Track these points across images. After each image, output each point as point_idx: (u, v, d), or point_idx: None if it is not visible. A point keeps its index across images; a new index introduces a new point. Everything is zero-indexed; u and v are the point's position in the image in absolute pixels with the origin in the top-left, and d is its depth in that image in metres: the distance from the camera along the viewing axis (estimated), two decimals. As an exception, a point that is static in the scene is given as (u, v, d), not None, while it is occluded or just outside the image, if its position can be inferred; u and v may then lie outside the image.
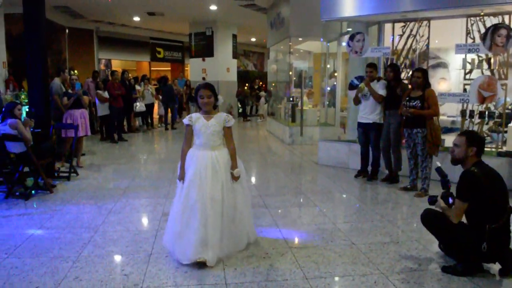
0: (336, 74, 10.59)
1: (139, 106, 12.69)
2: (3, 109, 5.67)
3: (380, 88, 6.48)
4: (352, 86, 7.50)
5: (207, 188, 3.50)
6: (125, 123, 12.41)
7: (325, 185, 6.62)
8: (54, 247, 4.00)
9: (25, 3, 6.67)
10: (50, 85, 7.60)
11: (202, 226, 3.48)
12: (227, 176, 3.63)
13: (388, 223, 4.74)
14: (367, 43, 7.28)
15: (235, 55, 17.85)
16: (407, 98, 5.85)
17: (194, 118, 3.66)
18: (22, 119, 5.80)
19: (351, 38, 7.39)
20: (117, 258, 3.81)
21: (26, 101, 7.89)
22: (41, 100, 6.89)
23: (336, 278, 3.42)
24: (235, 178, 3.69)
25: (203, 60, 16.95)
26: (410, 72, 6.73)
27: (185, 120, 3.67)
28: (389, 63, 7.28)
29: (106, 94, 10.62)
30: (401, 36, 7.49)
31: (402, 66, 7.39)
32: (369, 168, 6.83)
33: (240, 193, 3.73)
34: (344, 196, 5.98)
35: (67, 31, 15.84)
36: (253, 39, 22.24)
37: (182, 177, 3.65)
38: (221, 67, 16.97)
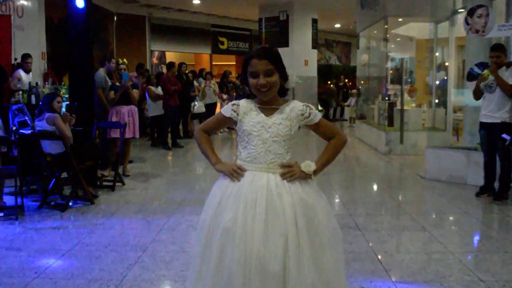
0: (447, 64, 10.15)
1: (198, 106, 12.86)
2: (40, 102, 5.84)
3: (510, 76, 6.07)
4: (471, 76, 7.12)
5: (254, 248, 2.35)
6: (180, 126, 12.65)
7: (435, 204, 6.36)
8: (93, 268, 3.99)
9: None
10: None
11: None
12: (302, 223, 2.43)
13: (528, 255, 4.33)
14: (492, 19, 6.87)
15: (315, 45, 17.75)
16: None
17: (243, 108, 2.62)
18: (62, 114, 5.94)
19: (470, 13, 7.06)
20: (170, 284, 3.74)
21: (67, 96, 8.15)
22: (83, 94, 7.09)
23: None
24: (304, 174, 2.55)
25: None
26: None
27: (227, 110, 2.65)
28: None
29: (159, 90, 10.85)
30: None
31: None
32: (497, 184, 6.38)
33: (326, 255, 2.47)
34: (463, 219, 5.63)
35: (115, 18, 16.52)
36: (337, 25, 22.10)
37: (219, 165, 2.68)
38: (298, 60, 16.90)
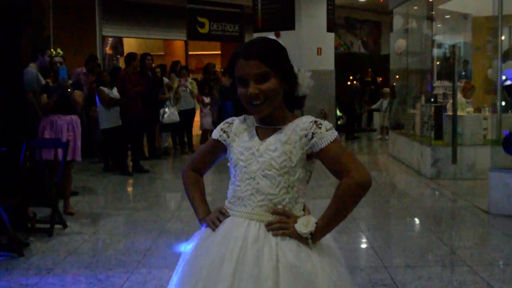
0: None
1: (169, 114, 12.83)
2: None
3: None
4: None
5: None
6: (145, 142, 12.67)
7: (505, 251, 6.32)
8: None
9: None
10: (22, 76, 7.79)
11: None
12: None
13: None
14: None
15: (331, 27, 17.80)
16: None
17: (236, 128, 2.62)
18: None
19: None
20: None
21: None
22: (7, 101, 7.03)
23: None
24: (298, 234, 2.41)
25: (277, 35, 16.86)
26: None
27: (215, 132, 2.67)
28: None
29: (115, 93, 10.87)
30: None
31: None
32: None
33: None
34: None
35: (53, -5, 16.51)
36: (362, -1, 22.20)
37: (205, 215, 2.65)
38: (308, 47, 16.97)
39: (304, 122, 2.46)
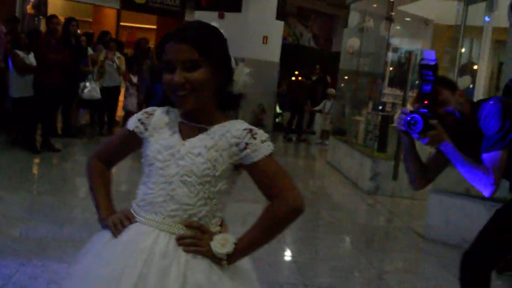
0: (475, 67, 10.36)
1: (90, 88, 12.67)
2: None
3: None
4: (510, 91, 7.22)
5: None
6: (59, 117, 12.53)
7: (438, 281, 6.44)
8: None
9: None
10: None
11: None
12: None
13: None
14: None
15: (281, 14, 17.84)
16: None
17: (157, 121, 2.52)
18: None
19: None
20: None
21: None
22: None
23: None
24: (212, 254, 2.35)
25: (221, 16, 16.98)
26: None
27: (132, 120, 2.57)
28: None
29: (31, 59, 10.70)
30: None
31: None
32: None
33: None
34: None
35: None
36: (318, -11, 22.33)
37: (107, 215, 2.58)
38: (253, 34, 17.02)
39: (237, 128, 2.36)
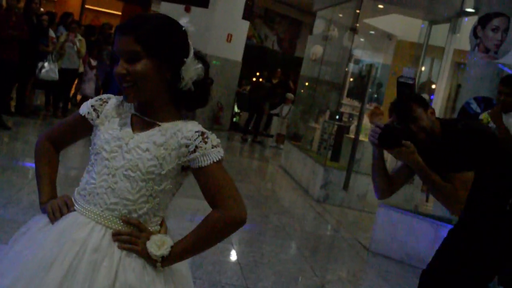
0: (434, 86, 10.40)
1: (48, 69, 12.50)
2: None
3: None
4: (466, 113, 7.24)
5: None
6: (13, 95, 12.39)
7: None
8: None
9: None
10: None
11: None
12: None
13: None
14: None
15: (248, 15, 17.84)
16: None
17: (110, 109, 2.46)
18: None
19: (483, 22, 7.25)
20: None
21: None
22: None
23: None
24: (147, 254, 2.31)
25: (187, 10, 16.89)
26: None
27: (84, 106, 2.48)
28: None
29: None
30: None
31: None
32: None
33: None
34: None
35: None
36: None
37: (48, 199, 2.50)
38: (218, 31, 16.97)
39: (188, 129, 2.31)
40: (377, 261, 7.47)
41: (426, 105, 3.99)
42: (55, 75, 12.65)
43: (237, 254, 6.71)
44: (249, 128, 18.31)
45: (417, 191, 9.73)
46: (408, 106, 3.83)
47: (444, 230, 7.22)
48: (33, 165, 7.98)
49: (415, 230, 7.59)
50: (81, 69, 14.05)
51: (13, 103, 12.44)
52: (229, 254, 6.66)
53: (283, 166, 13.63)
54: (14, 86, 11.87)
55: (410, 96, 3.97)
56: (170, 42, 2.28)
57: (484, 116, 6.42)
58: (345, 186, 10.50)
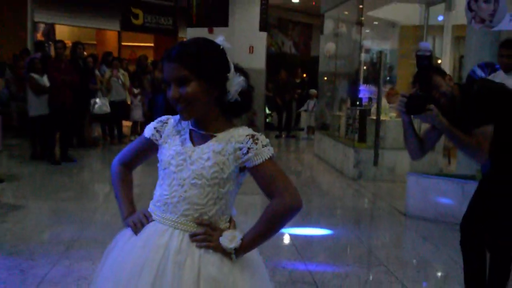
0: (440, 61, 10.39)
1: (100, 104, 12.70)
2: None
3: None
4: (472, 80, 7.29)
5: None
6: (74, 131, 12.45)
7: (419, 252, 6.43)
8: None
9: None
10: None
11: None
12: None
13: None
14: (504, 7, 7.07)
15: (264, 26, 17.83)
16: None
17: (170, 129, 2.51)
18: None
19: (475, -3, 7.22)
20: None
21: None
22: None
23: None
24: (222, 248, 2.35)
25: (211, 31, 16.88)
26: None
27: (148, 129, 2.55)
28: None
29: (45, 80, 10.66)
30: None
31: None
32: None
33: None
34: (455, 272, 5.64)
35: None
36: (295, 0, 22.31)
37: (129, 214, 2.59)
38: (240, 45, 16.88)
39: (240, 134, 2.34)
40: (414, 224, 7.43)
41: (443, 73, 4.12)
42: (107, 108, 12.87)
43: (290, 237, 6.68)
44: (282, 125, 18.40)
45: (439, 156, 9.70)
46: (428, 75, 3.96)
47: (469, 186, 7.28)
48: (102, 189, 8.20)
49: (444, 190, 7.57)
50: (128, 99, 14.18)
51: (75, 138, 12.59)
52: (283, 238, 6.65)
53: (317, 153, 13.52)
54: (73, 123, 11.98)
55: (429, 66, 4.11)
56: (212, 62, 2.31)
57: None
58: (375, 163, 10.45)
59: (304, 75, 20.66)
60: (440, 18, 9.61)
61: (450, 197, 7.56)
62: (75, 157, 11.25)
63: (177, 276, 2.25)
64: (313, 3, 19.73)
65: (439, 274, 5.75)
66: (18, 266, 5.31)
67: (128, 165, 2.67)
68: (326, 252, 6.27)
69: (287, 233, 6.83)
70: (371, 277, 5.50)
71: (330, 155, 12.40)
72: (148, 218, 2.42)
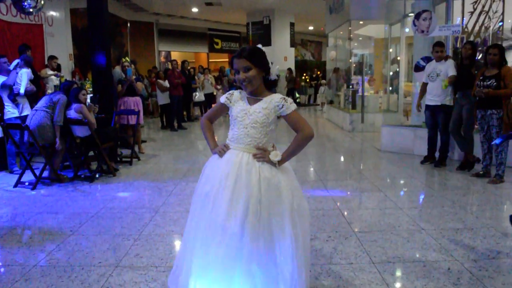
0: (399, 59, 10.16)
1: (198, 95, 12.87)
2: (69, 94, 5.82)
3: (449, 67, 6.11)
4: (418, 68, 7.20)
5: (220, 211, 2.30)
6: (184, 112, 12.61)
7: (389, 171, 6.38)
8: (116, 226, 4.05)
9: (89, -3, 6.84)
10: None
11: (200, 269, 2.34)
12: (263, 196, 2.31)
13: (460, 209, 4.42)
14: (435, 21, 6.89)
15: (292, 44, 17.71)
16: (481, 78, 5.44)
17: (235, 97, 2.52)
18: (87, 105, 5.95)
19: (417, 16, 7.06)
20: (177, 237, 3.79)
21: (91, 89, 8.11)
22: (104, 88, 7.07)
23: (405, 264, 3.19)
24: (270, 161, 2.40)
25: (260, 48, 16.91)
26: (485, 49, 6.26)
27: (222, 98, 2.58)
28: (458, 42, 6.86)
29: (166, 84, 10.79)
30: (471, 13, 7.02)
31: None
32: (437, 154, 6.47)
33: (287, 226, 2.33)
34: (410, 181, 5.67)
35: (128, 24, 16.33)
36: (311, 28, 21.95)
37: (215, 147, 2.57)
38: (279, 56, 16.87)
39: (277, 97, 2.41)
40: (386, 155, 7.36)
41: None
42: (202, 98, 12.97)
43: (312, 165, 6.64)
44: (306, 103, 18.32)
45: (400, 115, 9.56)
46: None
47: (418, 132, 7.20)
48: (201, 144, 8.21)
49: (403, 135, 7.49)
50: (215, 92, 14.30)
51: (185, 116, 12.75)
52: (308, 165, 6.58)
53: (327, 118, 13.45)
54: (183, 107, 12.07)
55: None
56: (262, 58, 2.41)
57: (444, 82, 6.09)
58: (362, 121, 10.39)
59: (318, 72, 20.43)
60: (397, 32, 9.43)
61: (407, 138, 7.48)
62: (186, 127, 11.40)
63: (248, 177, 2.32)
64: (322, 28, 19.42)
65: (401, 182, 5.72)
66: (157, 186, 5.51)
67: (211, 119, 2.70)
68: (334, 173, 6.25)
69: (311, 161, 6.85)
70: (361, 186, 5.48)
71: (335, 118, 12.31)
72: (227, 147, 2.47)
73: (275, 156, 2.39)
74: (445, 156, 6.37)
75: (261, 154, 2.39)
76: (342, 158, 7.38)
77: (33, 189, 5.46)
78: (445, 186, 5.43)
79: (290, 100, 2.42)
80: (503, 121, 5.26)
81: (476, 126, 5.87)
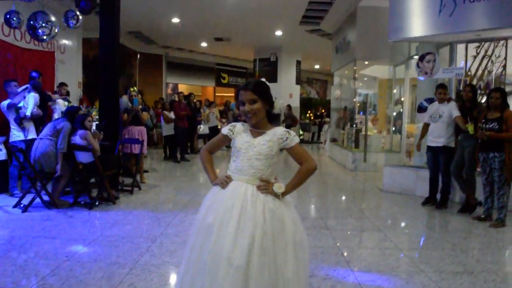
0: (402, 99, 10.22)
1: (203, 128, 12.94)
2: (75, 120, 5.87)
3: (453, 109, 6.15)
4: (421, 109, 7.22)
5: (225, 243, 2.28)
6: (188, 144, 12.63)
7: (390, 211, 6.34)
8: (112, 254, 4.01)
9: (102, 28, 6.96)
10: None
11: None
12: (268, 228, 2.31)
13: (460, 252, 4.36)
14: (438, 64, 6.98)
15: (298, 81, 17.87)
16: (483, 120, 5.46)
17: (238, 129, 2.52)
18: (92, 132, 5.99)
19: (421, 59, 7.15)
20: (172, 268, 3.73)
21: (97, 117, 8.17)
22: (110, 116, 7.12)
23: (404, 305, 3.12)
24: (274, 193, 2.42)
25: (266, 85, 17.07)
26: (487, 93, 6.31)
27: (225, 129, 2.57)
28: (461, 84, 6.94)
29: (171, 115, 10.87)
30: (475, 57, 7.11)
31: (477, 87, 7.01)
32: (438, 196, 6.42)
33: (290, 258, 2.33)
34: (411, 222, 5.62)
35: (138, 56, 16.63)
36: (317, 66, 22.20)
37: (215, 179, 2.58)
38: (284, 92, 17.01)
39: (280, 130, 2.45)
40: (387, 195, 7.31)
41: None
42: (207, 131, 13.01)
43: (312, 202, 6.64)
44: (310, 140, 18.39)
45: (403, 155, 9.54)
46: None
47: (420, 172, 7.17)
48: (203, 176, 8.14)
49: (405, 175, 7.44)
50: (219, 126, 14.34)
51: (189, 148, 12.69)
52: (309, 202, 6.59)
53: (330, 156, 13.41)
54: (187, 139, 12.08)
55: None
56: (267, 91, 2.44)
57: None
58: (365, 160, 10.35)
59: (323, 110, 20.53)
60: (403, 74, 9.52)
61: (409, 179, 7.43)
62: (188, 159, 11.37)
63: (253, 208, 2.32)
64: (327, 67, 19.65)
65: (402, 222, 5.67)
66: (156, 216, 5.46)
67: (211, 151, 2.69)
68: (334, 209, 6.25)
69: (312, 199, 6.81)
70: (361, 225, 5.43)
71: (337, 156, 12.26)
72: (229, 179, 2.46)
73: (279, 188, 2.39)
74: (446, 198, 6.33)
75: (265, 186, 2.39)
76: (343, 197, 7.34)
77: (23, 211, 5.47)
78: (446, 229, 5.38)
79: (293, 133, 2.45)
80: (505, 164, 5.24)
81: (478, 169, 5.85)
